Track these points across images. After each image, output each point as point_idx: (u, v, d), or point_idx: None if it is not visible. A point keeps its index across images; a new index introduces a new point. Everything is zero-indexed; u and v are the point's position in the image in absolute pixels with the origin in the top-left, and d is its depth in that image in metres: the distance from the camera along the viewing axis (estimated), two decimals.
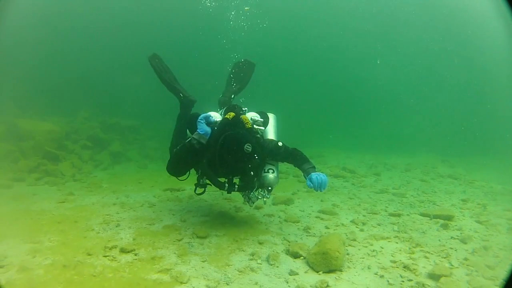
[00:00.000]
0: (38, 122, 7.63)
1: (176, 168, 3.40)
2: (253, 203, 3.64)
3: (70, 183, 5.72)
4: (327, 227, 3.95)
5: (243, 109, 3.65)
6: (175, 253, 3.05)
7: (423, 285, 2.63)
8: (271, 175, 3.50)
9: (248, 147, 3.02)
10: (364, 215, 4.49)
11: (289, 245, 3.30)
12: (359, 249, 3.32)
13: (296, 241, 3.43)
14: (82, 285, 2.44)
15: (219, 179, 3.35)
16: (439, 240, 3.63)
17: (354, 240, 3.55)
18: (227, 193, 3.45)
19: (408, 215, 4.56)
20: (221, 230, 3.66)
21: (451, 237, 3.73)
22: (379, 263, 3.02)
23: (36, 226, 3.53)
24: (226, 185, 3.32)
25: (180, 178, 3.50)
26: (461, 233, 3.86)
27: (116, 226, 3.62)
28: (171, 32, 18.05)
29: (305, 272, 2.82)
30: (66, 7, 16.71)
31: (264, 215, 4.28)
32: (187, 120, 3.74)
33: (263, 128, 3.63)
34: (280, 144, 3.52)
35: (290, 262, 3.00)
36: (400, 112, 16.82)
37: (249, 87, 5.03)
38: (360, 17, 19.54)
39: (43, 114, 8.97)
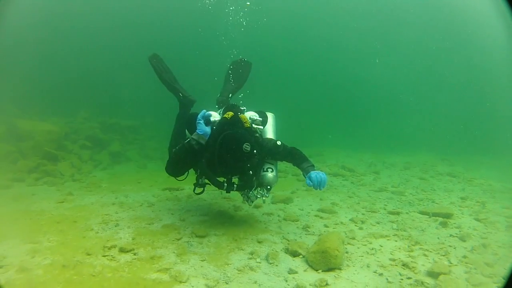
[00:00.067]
0: (38, 122, 7.63)
1: (175, 168, 3.39)
2: (252, 202, 3.64)
3: (69, 183, 5.73)
4: (326, 226, 3.95)
5: (241, 108, 3.66)
6: (174, 252, 3.05)
7: (422, 283, 2.63)
8: (270, 174, 3.50)
9: (247, 147, 3.02)
10: (363, 214, 4.49)
11: (288, 243, 3.31)
12: (358, 248, 3.33)
13: (295, 240, 3.43)
14: (81, 285, 2.45)
15: (218, 178, 3.35)
16: (438, 238, 3.64)
17: (353, 238, 3.56)
18: (226, 192, 3.45)
19: (407, 213, 4.57)
20: (220, 229, 3.66)
21: (450, 235, 3.74)
22: (378, 261, 3.03)
23: (36, 226, 3.53)
24: (225, 184, 3.32)
25: (178, 178, 3.50)
26: (460, 231, 3.87)
27: (115, 226, 3.62)
28: (170, 31, 18.05)
29: (304, 270, 2.83)
30: (66, 7, 16.69)
31: (263, 214, 4.29)
32: (186, 120, 3.74)
33: (261, 127, 3.64)
34: (279, 143, 3.52)
35: (289, 261, 3.00)
36: (399, 111, 16.82)
37: (249, 87, 5.04)
38: (359, 17, 19.54)
39: (42, 114, 8.96)
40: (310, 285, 2.59)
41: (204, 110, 3.35)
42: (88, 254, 2.90)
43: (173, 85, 4.32)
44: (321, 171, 3.31)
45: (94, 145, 7.89)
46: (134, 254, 2.97)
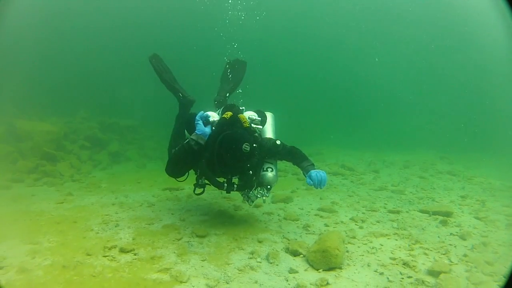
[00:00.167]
0: (36, 122, 7.61)
1: (175, 169, 3.39)
2: (253, 202, 3.64)
3: (68, 184, 5.72)
4: (326, 225, 3.95)
5: (240, 108, 3.65)
6: (174, 252, 3.05)
7: (422, 281, 2.63)
8: (270, 174, 3.50)
9: (246, 147, 3.02)
10: (363, 213, 4.49)
11: (288, 243, 3.31)
12: (358, 247, 3.33)
13: (296, 239, 3.43)
14: (81, 286, 2.44)
15: (218, 179, 3.35)
16: (438, 237, 3.64)
17: (354, 237, 3.56)
18: (226, 192, 3.45)
19: (407, 212, 4.57)
20: (220, 229, 3.66)
21: (450, 234, 3.74)
22: (378, 260, 3.03)
23: (35, 227, 3.53)
24: (225, 184, 3.32)
25: (179, 179, 3.50)
26: (460, 230, 3.87)
27: (115, 226, 3.62)
28: (170, 30, 18.02)
29: (305, 270, 2.83)
30: (66, 7, 16.65)
31: (263, 214, 4.28)
32: (185, 120, 3.73)
33: (261, 127, 3.63)
34: (278, 142, 3.52)
35: (289, 260, 3.00)
36: (399, 109, 16.82)
37: (249, 87, 5.05)
38: (359, 16, 19.52)
39: (41, 114, 8.94)
40: (310, 284, 2.59)
41: (202, 111, 3.35)
42: (88, 255, 2.90)
43: (173, 85, 4.33)
44: (321, 170, 3.31)
45: (93, 145, 7.87)
46: (135, 255, 2.96)
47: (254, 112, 3.73)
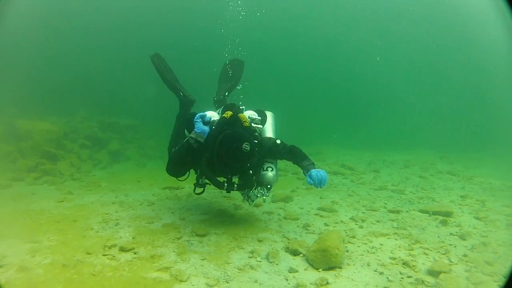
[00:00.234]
0: (37, 122, 7.61)
1: (176, 168, 3.39)
2: (253, 201, 3.64)
3: (69, 182, 5.72)
4: (326, 224, 3.95)
5: (240, 107, 3.65)
6: (174, 251, 3.05)
7: (422, 281, 2.63)
8: (270, 173, 3.50)
9: (246, 146, 3.01)
10: (363, 212, 4.50)
11: (288, 242, 3.31)
12: (358, 246, 3.33)
13: (296, 239, 3.43)
14: (82, 284, 2.44)
15: (218, 178, 3.35)
16: (438, 237, 3.64)
17: (354, 237, 3.56)
18: (227, 192, 3.45)
19: (407, 211, 4.57)
20: (220, 228, 3.66)
21: (450, 234, 3.74)
22: (378, 260, 3.03)
23: (35, 226, 3.53)
24: (225, 184, 3.32)
25: (179, 178, 3.50)
26: (460, 230, 3.87)
27: (115, 225, 3.62)
28: (169, 30, 18.01)
29: (305, 269, 2.83)
30: (66, 7, 16.65)
31: (263, 213, 4.28)
32: (185, 120, 3.72)
33: (261, 126, 3.63)
34: (278, 141, 3.52)
35: (289, 260, 3.00)
36: (399, 109, 16.82)
37: (249, 86, 5.07)
38: (360, 15, 19.51)
39: (41, 114, 8.95)
40: (310, 284, 2.59)
41: (200, 113, 3.35)
42: (89, 253, 2.90)
43: (174, 84, 4.35)
44: (321, 169, 3.31)
45: (93, 144, 7.88)
46: (135, 253, 2.96)
47: (254, 111, 3.73)
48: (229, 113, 3.30)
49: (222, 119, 3.28)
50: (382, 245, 3.37)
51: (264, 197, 3.54)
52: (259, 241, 3.37)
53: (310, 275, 2.72)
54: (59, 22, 16.38)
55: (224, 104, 3.88)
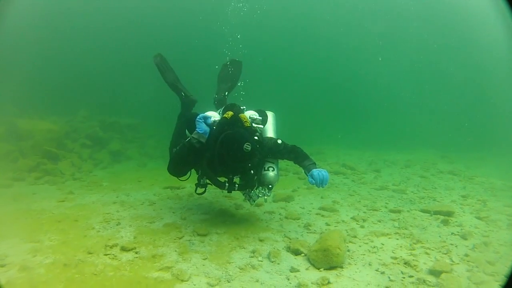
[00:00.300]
0: (37, 121, 7.62)
1: (177, 168, 3.39)
2: (254, 201, 3.64)
3: (70, 182, 5.72)
4: (327, 224, 3.95)
5: (241, 107, 3.65)
6: (175, 251, 3.05)
7: (424, 281, 2.63)
8: (271, 173, 3.50)
9: (247, 146, 3.01)
10: (364, 212, 4.49)
11: (290, 242, 3.31)
12: (359, 246, 3.33)
13: (297, 238, 3.43)
14: (83, 284, 2.44)
15: (219, 178, 3.35)
16: (440, 236, 3.64)
17: (355, 236, 3.56)
18: (228, 192, 3.45)
19: (408, 211, 4.57)
20: (221, 227, 3.66)
21: (452, 233, 3.74)
22: (380, 259, 3.03)
23: (37, 225, 3.53)
24: (227, 184, 3.31)
25: (181, 178, 3.50)
26: (461, 229, 3.86)
27: (117, 225, 3.62)
28: (169, 31, 18.00)
29: (306, 269, 2.83)
30: (66, 7, 16.65)
31: (264, 213, 4.28)
32: (186, 120, 3.73)
33: (262, 126, 3.62)
34: (279, 141, 3.53)
35: (291, 259, 3.00)
36: (400, 108, 16.79)
37: (249, 86, 5.07)
38: (362, 15, 19.49)
39: (42, 113, 8.95)
40: (312, 283, 2.59)
41: (203, 114, 3.35)
42: (90, 253, 2.90)
43: (176, 84, 4.37)
44: (322, 169, 3.31)
45: (94, 143, 7.88)
46: (136, 253, 2.96)
47: (255, 111, 3.73)
48: (230, 113, 3.30)
49: (223, 119, 3.27)
50: (383, 244, 3.37)
51: (265, 197, 3.54)
52: (261, 240, 3.37)
53: (312, 275, 2.72)
54: (59, 22, 16.36)
55: (225, 104, 3.88)
